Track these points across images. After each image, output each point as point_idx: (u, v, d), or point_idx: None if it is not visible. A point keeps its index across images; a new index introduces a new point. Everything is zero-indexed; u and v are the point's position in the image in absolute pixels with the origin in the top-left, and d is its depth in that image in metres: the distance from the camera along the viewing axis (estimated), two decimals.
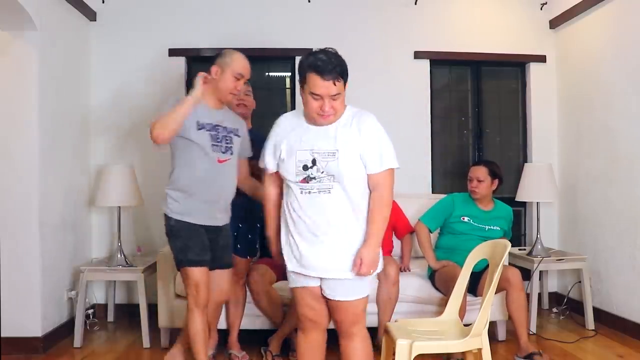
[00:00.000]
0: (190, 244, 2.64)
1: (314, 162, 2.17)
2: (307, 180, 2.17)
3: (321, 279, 2.22)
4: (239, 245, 3.12)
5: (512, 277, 3.23)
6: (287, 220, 2.26)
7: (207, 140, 2.63)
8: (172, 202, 2.66)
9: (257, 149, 2.68)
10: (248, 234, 3.17)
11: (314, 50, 2.26)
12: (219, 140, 2.67)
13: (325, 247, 2.18)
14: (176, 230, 2.66)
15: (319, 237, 2.18)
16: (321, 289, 2.24)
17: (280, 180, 2.34)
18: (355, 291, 2.22)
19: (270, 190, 2.40)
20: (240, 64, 2.68)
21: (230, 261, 2.88)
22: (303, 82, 2.19)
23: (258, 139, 2.76)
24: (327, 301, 2.25)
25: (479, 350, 2.38)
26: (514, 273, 3.25)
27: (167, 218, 2.69)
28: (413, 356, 2.25)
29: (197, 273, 2.64)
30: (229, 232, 2.88)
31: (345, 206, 2.18)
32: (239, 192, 2.97)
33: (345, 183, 2.16)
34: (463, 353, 2.55)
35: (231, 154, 2.72)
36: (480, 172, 3.51)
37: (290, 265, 2.26)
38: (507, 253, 2.39)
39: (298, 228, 2.21)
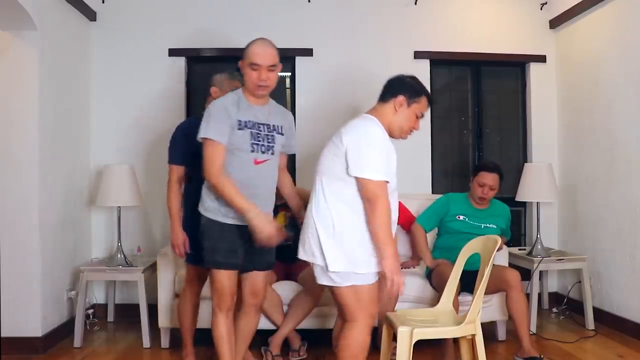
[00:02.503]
0: (218, 245, 2.53)
1: None
2: None
3: None
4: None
5: (511, 279, 3.23)
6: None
7: (247, 140, 2.50)
8: (207, 201, 2.55)
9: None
10: None
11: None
12: (259, 139, 2.53)
13: None
14: (207, 229, 2.55)
15: None
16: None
17: None
18: None
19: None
20: (254, 52, 2.50)
21: (270, 262, 2.71)
22: (413, 100, 2.41)
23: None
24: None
25: (473, 336, 2.50)
26: (513, 275, 3.25)
27: (200, 216, 2.59)
28: (413, 342, 2.35)
29: (222, 276, 2.53)
30: None
31: None
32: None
33: None
34: (458, 347, 2.68)
35: (272, 154, 2.58)
36: (494, 180, 3.49)
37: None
38: (497, 248, 2.48)
39: None
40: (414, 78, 2.50)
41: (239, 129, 2.49)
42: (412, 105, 2.41)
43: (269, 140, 2.57)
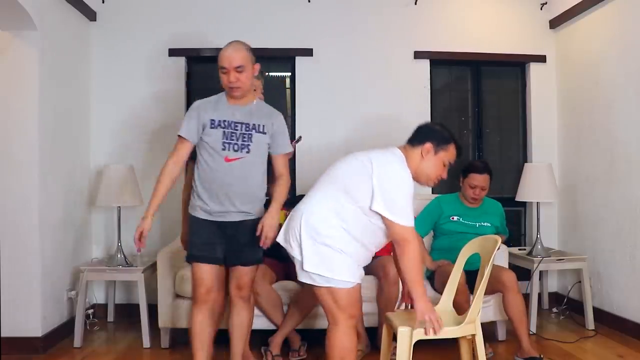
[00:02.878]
0: (194, 239, 2.68)
1: None
2: None
3: None
4: None
5: (507, 280, 3.23)
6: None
7: (219, 138, 2.60)
8: (191, 198, 2.74)
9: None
10: None
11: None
12: (233, 137, 2.61)
13: None
14: (189, 223, 2.74)
15: None
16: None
17: None
18: None
19: None
20: (221, 57, 2.61)
21: (254, 258, 2.74)
22: (440, 148, 2.41)
23: None
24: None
25: (473, 336, 2.49)
26: (508, 276, 3.25)
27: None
28: (413, 342, 2.34)
29: (197, 269, 2.66)
30: (253, 228, 2.66)
31: None
32: None
33: None
34: (459, 347, 2.68)
35: (247, 152, 2.63)
36: (484, 181, 3.48)
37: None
38: (497, 247, 2.48)
39: None
40: (442, 125, 2.54)
41: (212, 127, 2.60)
42: (439, 152, 2.41)
43: (245, 139, 2.62)
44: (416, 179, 2.41)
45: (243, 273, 2.73)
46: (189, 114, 2.68)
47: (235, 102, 2.66)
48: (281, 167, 2.78)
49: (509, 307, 3.24)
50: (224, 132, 2.61)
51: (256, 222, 2.68)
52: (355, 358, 2.39)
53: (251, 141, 2.63)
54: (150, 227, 2.62)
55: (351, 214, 2.32)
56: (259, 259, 2.77)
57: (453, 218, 3.52)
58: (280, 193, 2.72)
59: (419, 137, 2.45)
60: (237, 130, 2.62)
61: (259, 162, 2.69)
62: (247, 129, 2.64)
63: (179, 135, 2.67)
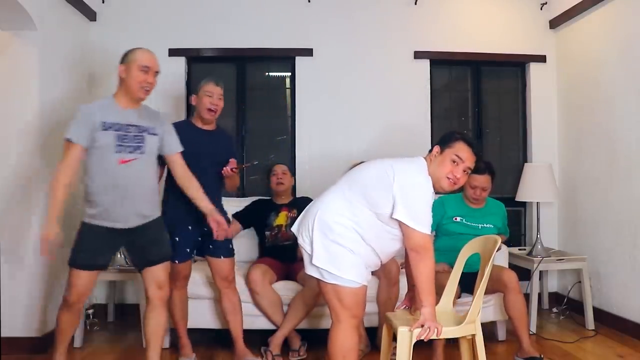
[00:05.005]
0: (83, 246, 2.67)
1: None
2: None
3: None
4: (210, 246, 3.08)
5: (509, 280, 3.23)
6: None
7: (111, 141, 2.62)
8: (83, 206, 2.76)
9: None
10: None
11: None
12: (126, 139, 2.65)
13: None
14: (79, 230, 2.73)
15: None
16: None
17: None
18: None
19: None
20: (144, 57, 2.76)
21: (163, 254, 2.80)
22: (446, 146, 2.42)
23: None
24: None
25: (473, 336, 2.50)
26: (510, 276, 3.25)
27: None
28: (413, 342, 2.35)
29: (78, 276, 2.65)
30: (154, 228, 2.76)
31: None
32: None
33: None
34: (458, 347, 2.68)
35: (140, 153, 2.68)
36: (486, 182, 3.45)
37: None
38: (497, 247, 2.48)
39: None
40: (456, 132, 2.54)
41: (104, 129, 2.63)
42: (445, 151, 2.42)
43: (138, 141, 2.68)
44: (433, 185, 2.41)
45: (159, 272, 2.83)
46: (80, 117, 2.64)
47: (126, 105, 2.73)
48: (178, 167, 2.87)
49: (510, 307, 3.24)
50: (117, 134, 2.64)
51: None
52: (356, 357, 2.40)
53: (144, 142, 2.69)
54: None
55: (366, 218, 2.34)
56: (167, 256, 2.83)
57: (456, 219, 3.51)
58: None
59: (431, 148, 2.51)
60: (129, 132, 2.67)
61: (150, 162, 2.74)
62: (139, 131, 2.70)
63: (66, 139, 2.63)
